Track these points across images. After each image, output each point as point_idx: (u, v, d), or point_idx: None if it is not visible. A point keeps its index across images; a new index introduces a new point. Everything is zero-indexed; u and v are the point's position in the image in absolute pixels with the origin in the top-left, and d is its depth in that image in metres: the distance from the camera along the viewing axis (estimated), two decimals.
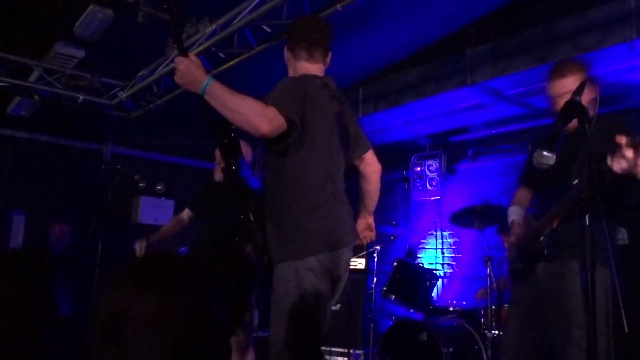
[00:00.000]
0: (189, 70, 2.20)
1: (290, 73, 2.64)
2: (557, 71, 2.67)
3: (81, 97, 5.43)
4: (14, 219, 6.40)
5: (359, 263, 5.90)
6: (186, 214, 4.26)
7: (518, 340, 2.76)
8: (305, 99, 2.37)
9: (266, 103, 2.25)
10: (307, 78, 2.54)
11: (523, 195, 3.03)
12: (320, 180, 2.38)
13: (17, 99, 5.78)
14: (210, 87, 2.18)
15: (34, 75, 5.29)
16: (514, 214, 2.94)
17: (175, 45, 2.29)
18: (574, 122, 2.31)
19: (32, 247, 5.28)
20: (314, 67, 2.65)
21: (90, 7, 4.12)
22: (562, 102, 2.32)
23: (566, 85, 2.56)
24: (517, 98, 5.12)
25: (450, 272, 6.26)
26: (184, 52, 2.24)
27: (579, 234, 1.90)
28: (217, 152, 4.15)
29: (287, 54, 2.70)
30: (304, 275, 2.26)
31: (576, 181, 2.42)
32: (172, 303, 0.94)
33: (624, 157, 1.88)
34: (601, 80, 4.47)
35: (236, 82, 5.12)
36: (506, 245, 2.94)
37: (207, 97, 2.20)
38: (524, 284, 2.80)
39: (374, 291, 5.41)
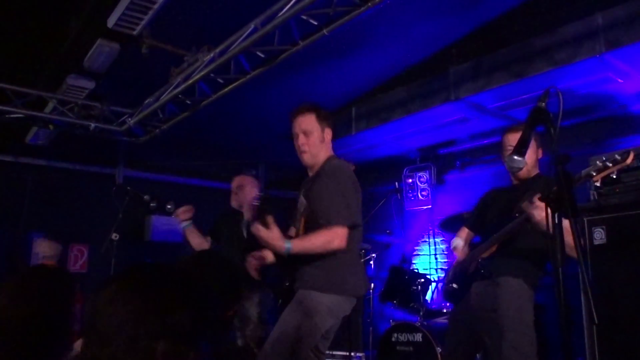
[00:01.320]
0: (270, 242, 2.52)
1: (324, 151, 2.85)
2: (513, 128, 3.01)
3: (93, 125, 5.45)
4: (34, 240, 6.42)
5: (363, 256, 5.87)
6: (208, 239, 4.31)
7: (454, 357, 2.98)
8: (355, 191, 2.74)
9: (329, 216, 2.60)
10: (348, 166, 2.82)
11: (466, 232, 3.24)
12: (358, 247, 2.84)
13: (34, 129, 5.82)
14: (291, 250, 2.55)
15: (49, 107, 5.32)
16: (456, 242, 3.17)
17: (259, 220, 2.58)
18: (518, 175, 2.83)
19: (51, 265, 5.26)
20: None
21: (98, 41, 4.16)
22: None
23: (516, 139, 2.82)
24: (498, 111, 5.13)
25: (443, 277, 6.22)
26: (266, 226, 2.52)
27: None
28: (236, 180, 4.22)
29: (328, 135, 2.87)
30: (330, 308, 2.60)
31: (517, 214, 2.69)
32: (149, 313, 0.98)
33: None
34: (574, 92, 4.49)
35: (235, 103, 5.19)
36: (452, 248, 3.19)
37: (292, 252, 2.56)
38: (459, 303, 3.00)
39: (372, 297, 5.38)
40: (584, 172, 2.32)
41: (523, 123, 2.79)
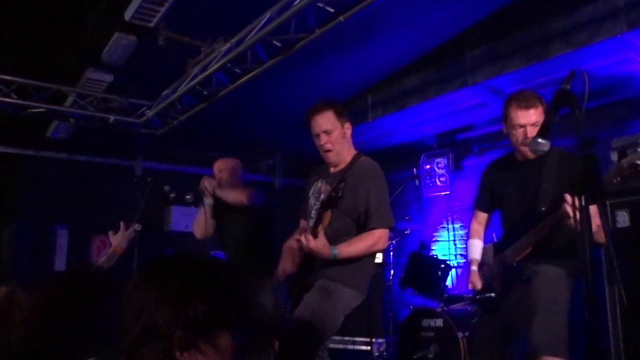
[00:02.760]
0: (317, 251, 2.54)
1: (348, 147, 2.88)
2: (523, 101, 2.72)
3: (112, 118, 5.49)
4: (58, 232, 6.53)
5: (376, 257, 5.85)
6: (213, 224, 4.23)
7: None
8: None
9: (377, 219, 2.65)
10: None
11: (480, 221, 3.07)
12: None
13: (55, 123, 5.88)
14: (337, 256, 2.57)
15: (69, 101, 5.37)
16: (475, 252, 2.99)
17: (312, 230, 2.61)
18: (528, 153, 2.62)
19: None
20: None
21: (116, 34, 4.17)
22: (530, 131, 2.60)
23: (530, 116, 2.67)
24: None
25: (463, 262, 6.20)
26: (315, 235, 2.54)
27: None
28: (216, 165, 4.13)
29: (348, 130, 2.87)
30: (348, 301, 2.65)
31: (543, 208, 2.56)
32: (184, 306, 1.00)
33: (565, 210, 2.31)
34: (594, 74, 4.41)
35: (252, 93, 5.19)
36: (470, 287, 2.96)
37: (337, 258, 2.59)
38: (493, 312, 2.83)
39: (391, 283, 5.39)
40: (625, 161, 2.27)
41: (531, 95, 2.73)
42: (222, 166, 4.12)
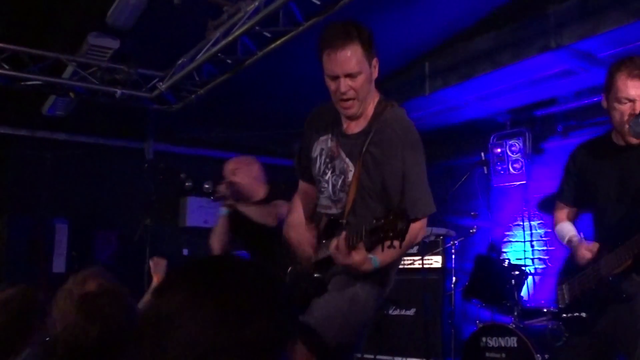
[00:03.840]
0: (353, 268, 2.41)
1: (372, 91, 2.59)
2: (636, 69, 2.63)
3: (118, 92, 5.60)
4: (57, 227, 6.73)
5: (434, 261, 5.84)
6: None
7: None
8: None
9: (422, 207, 2.50)
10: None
11: (565, 212, 3.00)
12: None
13: (52, 98, 6.06)
14: (380, 265, 2.45)
15: (68, 71, 5.51)
16: (569, 230, 2.92)
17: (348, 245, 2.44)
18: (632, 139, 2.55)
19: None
20: None
21: None
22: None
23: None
24: (613, 61, 4.94)
25: (542, 268, 6.12)
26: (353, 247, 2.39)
27: None
28: (229, 164, 4.15)
29: (375, 68, 2.54)
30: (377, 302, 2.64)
31: None
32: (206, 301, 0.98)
33: None
34: None
35: (283, 62, 5.21)
36: (581, 261, 2.83)
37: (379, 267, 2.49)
38: (584, 334, 2.76)
39: (453, 293, 5.38)
40: None
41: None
42: (234, 166, 4.11)
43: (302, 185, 2.89)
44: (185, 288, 1.00)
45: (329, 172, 2.63)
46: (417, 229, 2.46)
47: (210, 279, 1.02)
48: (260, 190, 4.02)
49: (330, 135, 2.66)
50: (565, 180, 3.00)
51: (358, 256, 2.34)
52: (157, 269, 4.05)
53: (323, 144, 2.68)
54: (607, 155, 2.80)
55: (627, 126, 2.61)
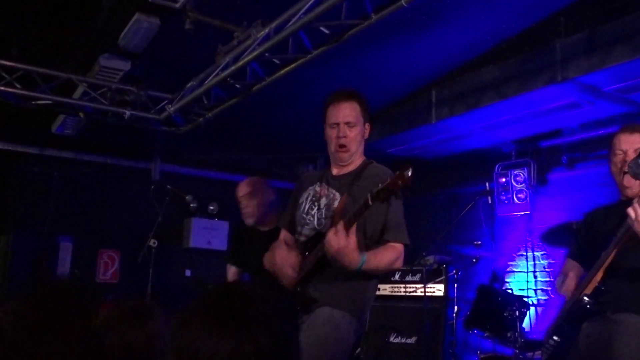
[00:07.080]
0: (345, 253, 2.60)
1: (360, 149, 3.00)
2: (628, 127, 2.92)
3: (127, 113, 5.65)
4: (61, 245, 6.76)
5: (436, 289, 5.83)
6: (232, 273, 4.34)
7: None
8: None
9: (400, 234, 2.82)
10: None
11: (572, 272, 3.07)
12: None
13: (61, 117, 6.12)
14: (365, 266, 2.67)
15: (79, 92, 5.57)
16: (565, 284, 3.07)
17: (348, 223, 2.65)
18: (628, 190, 2.75)
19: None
20: None
21: (136, 16, 4.31)
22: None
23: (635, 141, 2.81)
24: (618, 94, 4.98)
25: (544, 299, 6.09)
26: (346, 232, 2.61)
27: None
28: (241, 187, 4.21)
29: (367, 131, 3.01)
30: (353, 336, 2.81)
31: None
32: (245, 344, 1.01)
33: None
34: None
35: (292, 87, 5.26)
36: None
37: (363, 268, 2.70)
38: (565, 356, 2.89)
39: (454, 322, 5.36)
40: None
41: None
42: (243, 192, 4.23)
43: (283, 233, 3.15)
44: (210, 317, 1.04)
45: (315, 208, 2.95)
46: (399, 251, 2.79)
47: (230, 311, 1.06)
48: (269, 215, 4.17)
49: (319, 182, 3.02)
50: (575, 237, 3.20)
51: (351, 242, 2.57)
52: None
53: (311, 190, 3.02)
54: (611, 213, 2.95)
55: (621, 176, 2.77)
